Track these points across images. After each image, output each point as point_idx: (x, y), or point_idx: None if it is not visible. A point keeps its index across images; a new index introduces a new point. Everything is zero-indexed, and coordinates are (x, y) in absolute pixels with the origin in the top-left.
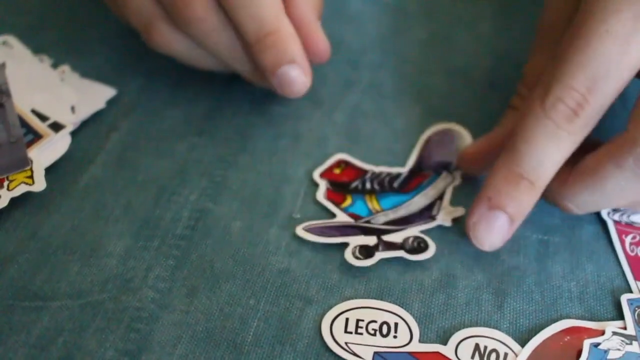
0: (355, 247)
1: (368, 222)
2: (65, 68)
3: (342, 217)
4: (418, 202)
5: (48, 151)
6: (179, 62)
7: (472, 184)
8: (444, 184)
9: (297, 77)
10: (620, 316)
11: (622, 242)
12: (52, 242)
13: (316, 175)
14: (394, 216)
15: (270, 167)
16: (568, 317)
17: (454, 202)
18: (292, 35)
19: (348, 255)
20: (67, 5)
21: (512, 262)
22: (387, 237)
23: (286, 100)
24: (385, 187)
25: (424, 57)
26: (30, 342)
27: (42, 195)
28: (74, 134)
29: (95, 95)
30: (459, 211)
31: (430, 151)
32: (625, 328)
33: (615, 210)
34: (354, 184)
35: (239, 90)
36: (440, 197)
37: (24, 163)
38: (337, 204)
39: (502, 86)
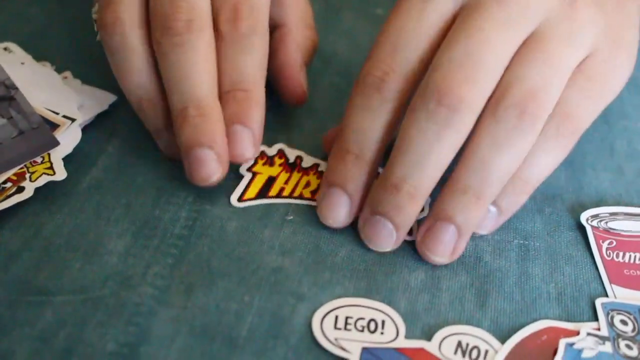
0: None
1: None
2: (68, 74)
3: None
4: None
5: (63, 142)
6: None
7: None
8: None
9: (210, 162)
10: (596, 317)
11: (599, 247)
12: (55, 241)
13: None
14: None
15: None
16: (546, 317)
17: None
18: (218, 120)
19: None
20: (69, 15)
21: (494, 265)
22: None
23: (280, 110)
24: None
25: None
26: (33, 334)
27: (45, 196)
28: None
29: (98, 100)
30: None
31: None
32: (599, 329)
33: (594, 217)
34: None
35: None
36: None
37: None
38: None
39: None
